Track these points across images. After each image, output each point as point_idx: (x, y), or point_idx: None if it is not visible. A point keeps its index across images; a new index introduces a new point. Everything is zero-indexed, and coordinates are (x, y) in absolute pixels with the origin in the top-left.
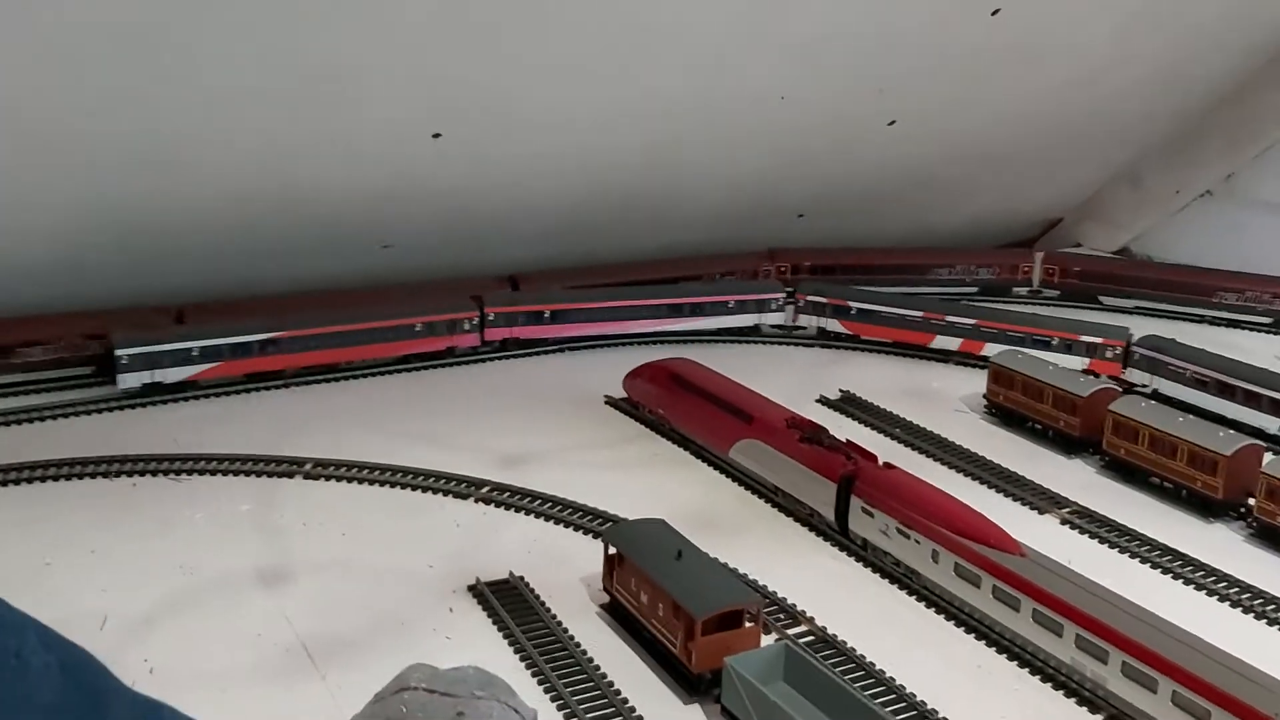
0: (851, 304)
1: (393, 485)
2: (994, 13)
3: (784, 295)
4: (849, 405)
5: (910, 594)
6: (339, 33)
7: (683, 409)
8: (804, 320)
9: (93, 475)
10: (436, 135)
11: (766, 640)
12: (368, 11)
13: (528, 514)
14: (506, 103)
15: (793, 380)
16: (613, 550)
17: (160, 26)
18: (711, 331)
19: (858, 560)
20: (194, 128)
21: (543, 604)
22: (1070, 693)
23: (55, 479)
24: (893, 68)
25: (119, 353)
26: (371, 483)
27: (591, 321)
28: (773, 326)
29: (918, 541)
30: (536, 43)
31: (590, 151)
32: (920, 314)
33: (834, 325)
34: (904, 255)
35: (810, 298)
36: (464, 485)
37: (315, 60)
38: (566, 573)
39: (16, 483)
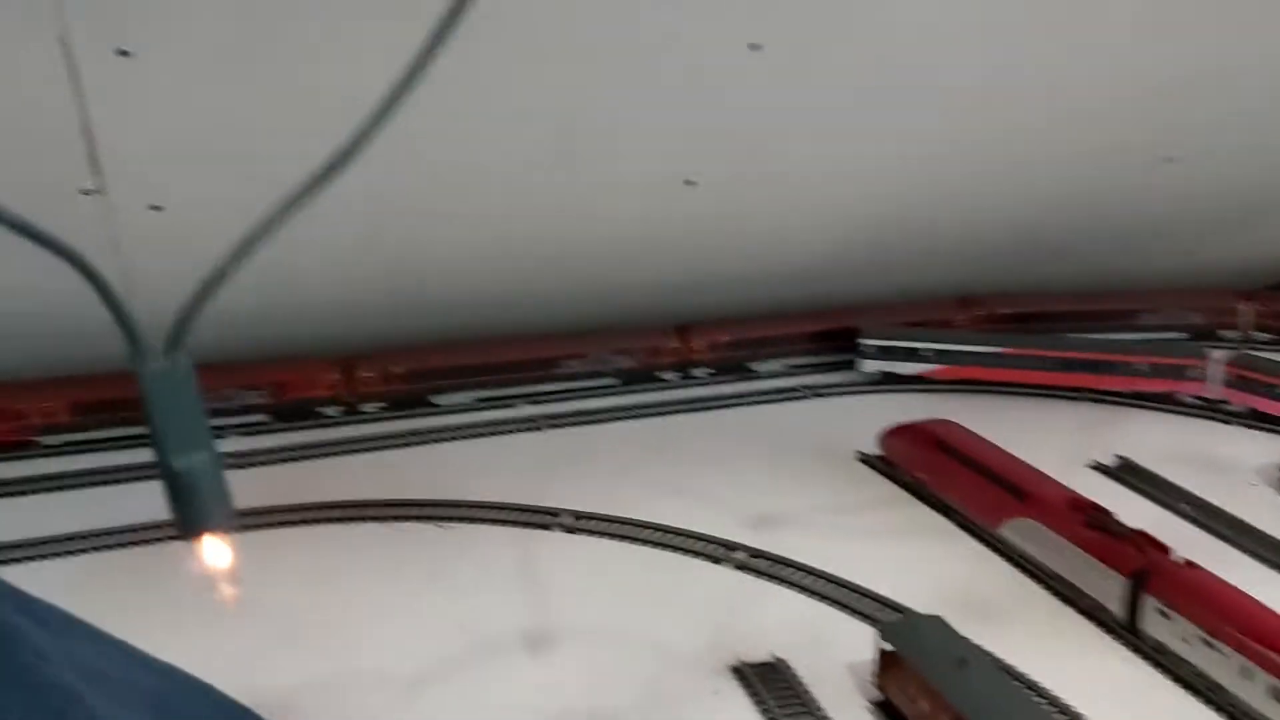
0: None
1: (644, 543)
2: None
3: None
4: (1128, 474)
5: (1217, 710)
6: None
7: (948, 476)
8: None
9: (362, 519)
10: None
11: None
12: None
13: (785, 584)
14: None
15: (1061, 441)
16: (887, 647)
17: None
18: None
19: (1153, 665)
20: None
21: (809, 694)
22: None
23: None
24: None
25: (862, 342)
26: (622, 538)
27: None
28: None
29: (1226, 655)
30: None
31: None
32: None
33: None
34: (1104, 301)
35: None
36: (718, 548)
37: None
38: (831, 657)
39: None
